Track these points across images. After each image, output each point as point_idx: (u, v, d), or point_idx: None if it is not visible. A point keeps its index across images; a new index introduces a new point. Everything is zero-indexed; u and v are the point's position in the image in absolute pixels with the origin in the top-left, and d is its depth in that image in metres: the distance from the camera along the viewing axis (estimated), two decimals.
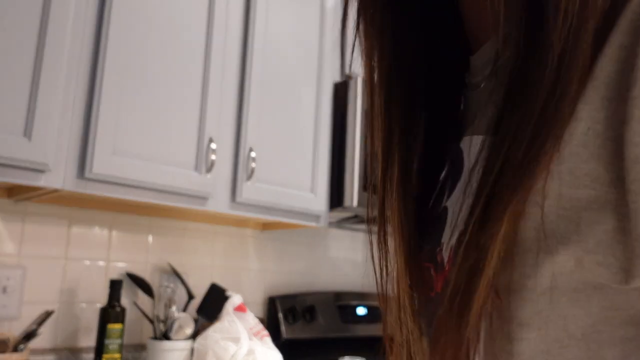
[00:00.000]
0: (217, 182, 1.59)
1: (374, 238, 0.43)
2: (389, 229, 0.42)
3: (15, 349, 1.33)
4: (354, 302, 2.25)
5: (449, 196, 0.42)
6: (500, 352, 0.32)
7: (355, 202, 1.81)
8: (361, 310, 2.25)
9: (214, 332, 1.55)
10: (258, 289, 2.06)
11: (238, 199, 1.62)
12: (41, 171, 1.27)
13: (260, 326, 1.68)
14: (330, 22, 1.95)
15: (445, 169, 0.45)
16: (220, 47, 1.61)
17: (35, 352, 1.50)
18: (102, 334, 1.50)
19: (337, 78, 1.98)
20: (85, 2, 1.37)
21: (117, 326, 1.51)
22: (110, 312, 1.51)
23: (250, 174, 1.64)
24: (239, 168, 1.63)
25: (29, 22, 1.26)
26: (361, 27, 0.43)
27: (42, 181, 1.27)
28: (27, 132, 1.24)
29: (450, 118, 0.45)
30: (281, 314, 1.99)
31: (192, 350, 1.57)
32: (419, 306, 0.41)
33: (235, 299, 1.65)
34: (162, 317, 1.60)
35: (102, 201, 1.62)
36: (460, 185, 0.40)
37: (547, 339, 0.31)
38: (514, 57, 0.32)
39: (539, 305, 0.30)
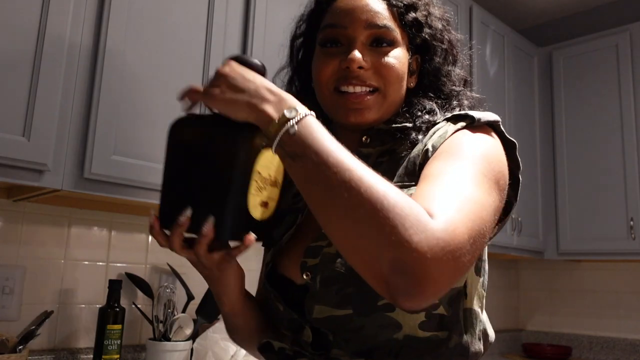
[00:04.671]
0: None
1: None
2: None
3: (14, 350, 1.32)
4: None
5: None
6: None
7: None
8: None
9: (213, 333, 1.55)
10: None
11: None
12: (40, 171, 1.26)
13: None
14: None
15: None
16: (219, 47, 1.61)
17: (34, 352, 1.49)
18: (101, 334, 1.50)
19: None
20: (84, 0, 1.36)
21: (116, 327, 1.51)
22: (110, 313, 1.51)
23: None
24: None
25: (27, 22, 1.26)
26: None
27: (41, 181, 1.26)
28: (26, 132, 1.23)
29: None
30: None
31: (191, 351, 1.57)
32: None
33: None
34: (161, 317, 1.60)
35: (101, 201, 1.61)
36: None
37: None
38: None
39: None
